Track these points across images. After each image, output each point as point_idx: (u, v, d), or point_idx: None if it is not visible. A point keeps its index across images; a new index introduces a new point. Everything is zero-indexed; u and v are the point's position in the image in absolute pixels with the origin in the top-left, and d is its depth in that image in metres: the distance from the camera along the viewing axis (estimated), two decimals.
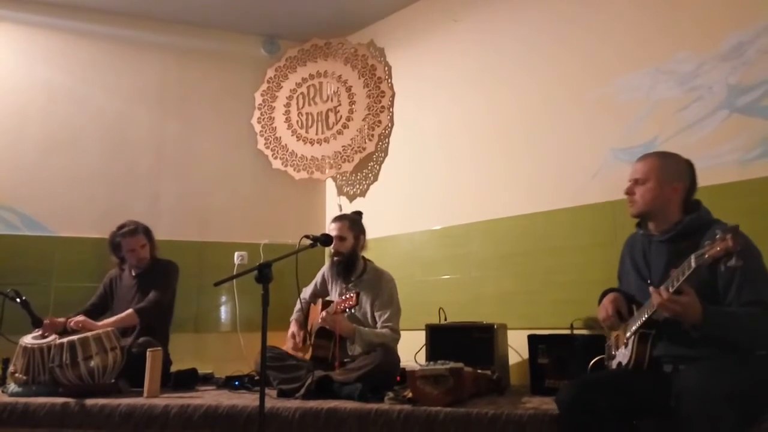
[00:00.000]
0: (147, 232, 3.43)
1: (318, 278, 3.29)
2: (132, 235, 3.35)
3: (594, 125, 3.15)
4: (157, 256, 3.47)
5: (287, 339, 3.16)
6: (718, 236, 1.64)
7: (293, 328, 3.17)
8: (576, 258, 3.07)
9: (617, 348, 2.09)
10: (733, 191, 2.62)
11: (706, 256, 1.66)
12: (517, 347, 3.13)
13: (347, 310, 2.79)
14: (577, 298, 2.94)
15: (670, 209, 2.05)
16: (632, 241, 2.23)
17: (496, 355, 2.93)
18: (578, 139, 3.20)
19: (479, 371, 2.71)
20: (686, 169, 2.11)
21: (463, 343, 2.99)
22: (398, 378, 2.82)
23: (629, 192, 2.12)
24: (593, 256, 2.99)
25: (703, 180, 2.67)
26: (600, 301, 2.18)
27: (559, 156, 3.26)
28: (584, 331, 2.80)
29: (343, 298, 2.80)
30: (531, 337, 2.84)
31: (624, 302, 2.10)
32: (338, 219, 3.12)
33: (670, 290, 1.76)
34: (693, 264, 1.71)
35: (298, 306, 3.22)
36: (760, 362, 1.79)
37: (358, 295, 2.74)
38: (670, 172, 2.07)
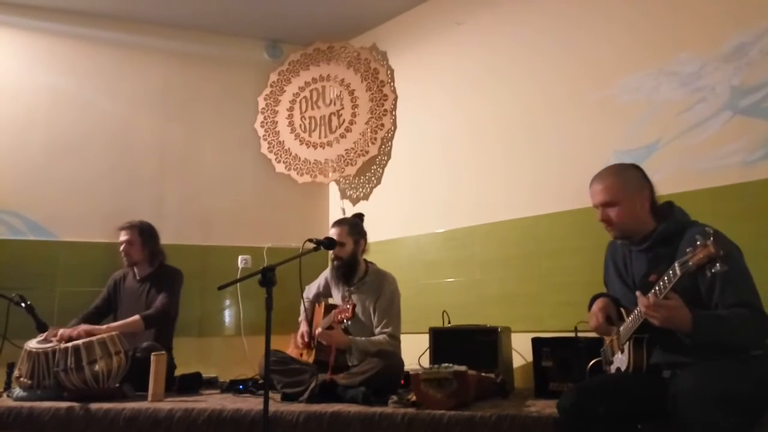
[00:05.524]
0: (142, 232, 3.42)
1: (321, 280, 3.29)
2: (125, 229, 3.41)
3: (596, 127, 3.15)
4: (163, 262, 3.48)
5: (296, 339, 3.16)
6: (698, 242, 1.60)
7: (303, 328, 3.16)
8: (579, 260, 3.06)
9: (613, 353, 2.09)
10: (735, 193, 2.62)
11: (690, 263, 1.63)
12: (521, 350, 3.13)
13: (343, 321, 2.79)
14: (580, 301, 2.89)
15: (644, 219, 2.02)
16: (613, 249, 2.21)
17: (500, 358, 2.92)
18: (580, 141, 3.19)
19: (483, 374, 2.71)
20: (642, 174, 2.07)
21: (466, 346, 2.99)
22: (402, 381, 2.82)
23: (605, 219, 2.05)
24: (597, 258, 2.94)
25: (705, 182, 2.71)
26: (589, 307, 2.17)
27: (562, 158, 3.26)
28: (588, 334, 2.79)
29: (340, 309, 2.79)
30: (535, 340, 2.85)
31: (613, 307, 2.08)
32: (337, 224, 3.09)
33: (659, 296, 1.73)
34: (678, 272, 1.68)
35: (303, 308, 3.22)
36: (756, 363, 1.77)
37: (353, 307, 2.73)
38: (633, 184, 2.03)
